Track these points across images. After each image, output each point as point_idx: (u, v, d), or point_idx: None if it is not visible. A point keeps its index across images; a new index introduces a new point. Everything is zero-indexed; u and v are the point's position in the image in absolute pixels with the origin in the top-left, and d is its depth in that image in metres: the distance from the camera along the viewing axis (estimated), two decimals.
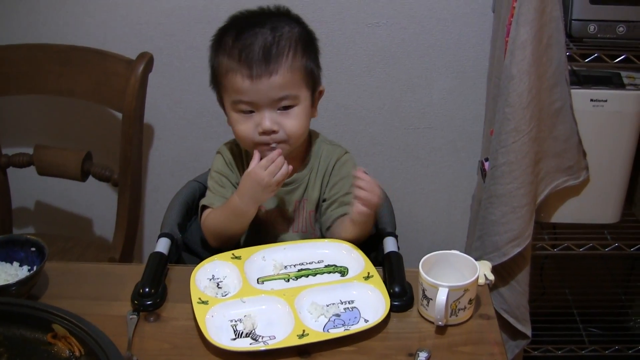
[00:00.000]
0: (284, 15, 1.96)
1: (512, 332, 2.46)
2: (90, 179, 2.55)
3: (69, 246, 2.69)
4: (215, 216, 1.99)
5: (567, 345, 2.67)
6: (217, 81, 1.95)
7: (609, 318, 2.91)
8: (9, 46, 2.56)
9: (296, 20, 1.97)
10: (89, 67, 2.49)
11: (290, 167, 1.90)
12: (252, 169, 1.88)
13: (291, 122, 1.91)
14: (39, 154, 2.57)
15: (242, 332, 1.65)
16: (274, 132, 1.89)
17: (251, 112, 1.89)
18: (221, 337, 1.63)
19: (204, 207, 2.03)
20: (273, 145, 1.91)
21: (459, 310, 1.65)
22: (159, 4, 2.61)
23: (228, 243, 1.96)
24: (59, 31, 2.66)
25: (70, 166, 2.52)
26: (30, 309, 1.52)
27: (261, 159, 1.89)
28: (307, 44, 1.95)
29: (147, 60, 2.39)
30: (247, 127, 1.91)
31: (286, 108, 1.90)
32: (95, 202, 2.96)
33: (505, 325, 2.41)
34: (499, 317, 2.33)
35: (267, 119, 1.88)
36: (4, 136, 2.72)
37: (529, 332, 2.44)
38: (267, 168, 1.86)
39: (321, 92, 2.01)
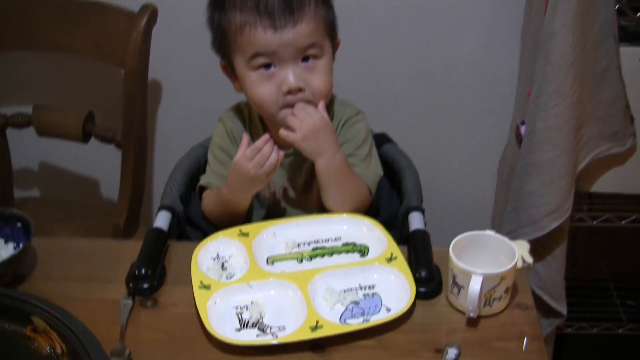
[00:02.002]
0: None
1: (546, 310, 2.32)
2: (95, 139, 2.43)
3: (72, 211, 2.59)
4: (210, 202, 1.86)
5: (602, 322, 2.53)
6: (227, 41, 1.78)
7: None
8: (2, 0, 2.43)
9: None
10: (88, 21, 2.35)
11: (281, 153, 1.74)
12: (237, 160, 1.73)
13: (318, 78, 1.75)
14: (38, 114, 2.46)
15: (248, 322, 1.49)
16: (300, 90, 1.73)
17: (269, 66, 1.73)
18: (225, 326, 1.47)
19: (203, 187, 1.90)
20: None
21: (493, 300, 1.48)
22: None
23: (235, 222, 1.79)
24: None
25: (71, 127, 2.41)
26: (7, 298, 1.36)
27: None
28: None
29: (151, 12, 2.25)
30: (269, 89, 1.74)
31: (311, 62, 1.74)
32: (100, 164, 2.85)
33: (538, 303, 2.24)
34: (532, 293, 2.15)
35: (292, 75, 1.72)
36: (1, 95, 2.62)
37: (564, 311, 2.30)
38: (253, 159, 1.70)
39: (337, 45, 1.86)
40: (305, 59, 1.73)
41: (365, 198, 1.82)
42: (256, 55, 1.72)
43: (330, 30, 1.79)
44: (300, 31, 1.69)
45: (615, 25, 2.00)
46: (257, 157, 1.70)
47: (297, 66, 1.72)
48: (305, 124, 1.71)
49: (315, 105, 1.75)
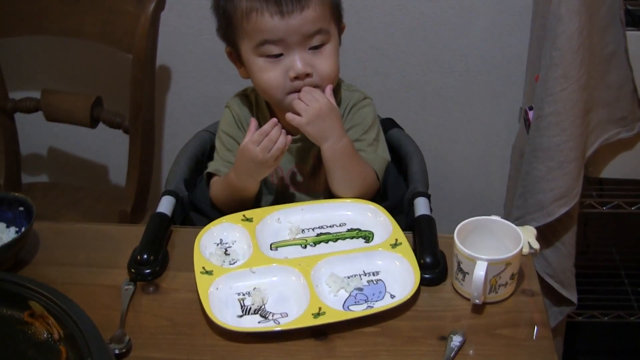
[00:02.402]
0: None
1: (556, 298, 2.29)
2: (103, 125, 2.42)
3: (80, 197, 2.58)
4: (217, 188, 1.84)
5: (614, 310, 2.48)
6: (233, 28, 1.75)
7: None
8: None
9: None
10: (96, 5, 2.32)
11: (289, 137, 1.71)
12: (245, 144, 1.70)
13: (325, 62, 1.73)
14: (47, 99, 2.45)
15: (250, 308, 1.47)
16: (307, 75, 1.71)
17: (278, 55, 1.71)
18: (226, 313, 1.45)
19: (210, 174, 1.87)
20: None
21: (499, 286, 1.45)
22: None
23: (243, 208, 1.76)
24: None
25: (79, 112, 2.39)
26: (4, 282, 1.34)
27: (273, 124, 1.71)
28: None
29: None
30: (276, 75, 1.72)
31: (317, 47, 1.72)
32: (108, 149, 2.84)
33: (548, 291, 2.24)
34: (542, 281, 2.17)
35: (299, 60, 1.70)
36: (10, 80, 2.57)
37: (574, 298, 2.27)
38: (261, 143, 1.68)
39: (343, 28, 1.83)
40: (313, 46, 1.71)
41: (373, 183, 1.79)
42: (264, 42, 1.70)
43: (336, 13, 1.77)
44: (307, 17, 1.67)
45: (621, 10, 1.98)
46: (264, 141, 1.67)
47: (305, 51, 1.70)
48: (311, 108, 1.69)
49: (323, 90, 1.73)
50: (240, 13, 1.71)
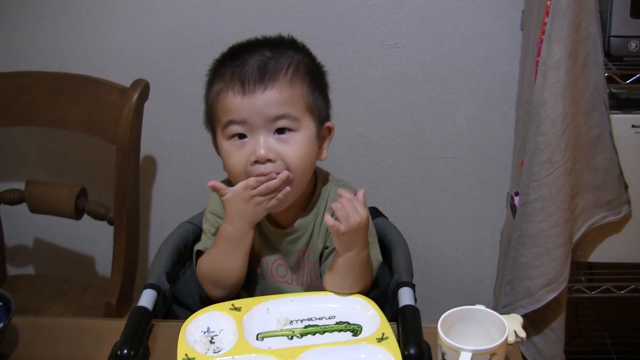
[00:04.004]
0: (289, 43, 1.78)
1: None
2: (88, 216, 2.40)
3: (65, 288, 2.54)
4: (209, 257, 1.78)
5: None
6: (210, 114, 1.76)
7: None
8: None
9: (301, 48, 1.78)
10: (81, 95, 2.34)
11: (285, 172, 1.68)
12: (236, 190, 1.68)
13: (291, 151, 1.68)
14: (31, 190, 2.43)
15: None
16: (269, 160, 1.67)
17: (242, 137, 1.68)
18: None
19: (199, 253, 1.83)
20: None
21: None
22: (160, 27, 2.47)
23: (229, 290, 1.76)
24: (54, 58, 2.52)
25: (64, 203, 2.38)
26: None
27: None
28: (312, 70, 1.76)
29: (142, 87, 2.23)
30: (239, 159, 1.68)
31: (283, 132, 1.68)
32: (93, 240, 2.81)
33: None
34: None
35: (262, 145, 1.66)
36: None
37: None
38: (257, 188, 1.65)
39: (330, 130, 1.80)
40: (281, 131, 1.69)
41: (368, 285, 1.76)
42: (229, 123, 1.68)
43: (313, 107, 1.74)
44: (269, 98, 1.66)
45: (605, 93, 1.99)
46: (262, 187, 1.66)
47: (269, 135, 1.67)
48: (352, 219, 1.62)
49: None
50: (213, 97, 1.72)
